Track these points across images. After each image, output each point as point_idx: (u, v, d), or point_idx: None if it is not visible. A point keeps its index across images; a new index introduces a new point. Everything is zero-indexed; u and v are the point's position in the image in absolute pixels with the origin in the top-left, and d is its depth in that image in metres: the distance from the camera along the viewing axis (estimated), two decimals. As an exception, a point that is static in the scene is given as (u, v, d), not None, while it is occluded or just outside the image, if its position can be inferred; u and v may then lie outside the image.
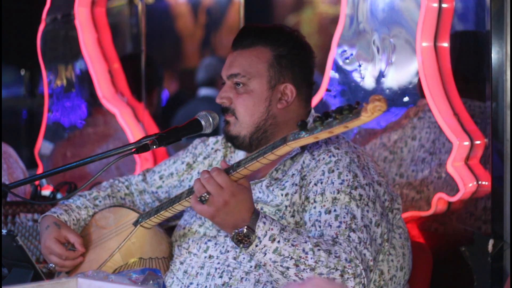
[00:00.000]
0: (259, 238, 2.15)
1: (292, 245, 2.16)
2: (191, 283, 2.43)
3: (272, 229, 2.17)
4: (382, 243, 2.33)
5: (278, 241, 2.16)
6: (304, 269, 2.15)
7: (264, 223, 2.17)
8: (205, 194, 2.17)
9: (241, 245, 2.17)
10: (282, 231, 2.18)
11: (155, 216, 2.48)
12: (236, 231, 2.16)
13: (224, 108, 2.53)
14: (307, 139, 2.01)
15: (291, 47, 2.52)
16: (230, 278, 2.37)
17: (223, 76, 2.55)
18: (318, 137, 1.98)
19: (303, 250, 2.16)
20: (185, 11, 4.58)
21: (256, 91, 2.49)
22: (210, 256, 2.44)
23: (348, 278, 2.15)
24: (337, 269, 2.15)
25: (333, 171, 2.35)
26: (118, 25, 4.68)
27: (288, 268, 2.16)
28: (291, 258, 2.15)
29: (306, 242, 2.17)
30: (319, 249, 2.16)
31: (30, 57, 4.92)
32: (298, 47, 2.54)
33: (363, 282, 2.17)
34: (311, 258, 2.15)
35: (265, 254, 2.16)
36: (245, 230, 2.16)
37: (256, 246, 2.16)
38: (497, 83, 2.89)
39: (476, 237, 2.95)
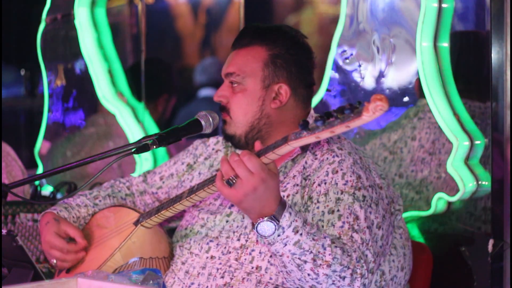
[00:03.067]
0: (283, 228, 2.12)
1: (313, 239, 2.14)
2: (192, 283, 2.42)
3: (296, 220, 2.14)
4: (383, 245, 2.32)
5: (301, 234, 2.14)
6: (320, 264, 2.14)
7: (290, 213, 2.13)
8: (233, 177, 2.11)
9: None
10: (305, 224, 2.16)
11: (156, 215, 2.48)
12: (261, 220, 2.12)
13: (221, 107, 2.52)
14: (308, 138, 2.00)
15: (288, 47, 2.50)
16: (231, 279, 2.37)
17: (222, 75, 2.55)
18: (319, 136, 1.97)
19: (322, 246, 2.15)
20: (185, 11, 4.58)
21: (250, 90, 2.48)
22: (212, 257, 2.43)
23: (355, 278, 2.16)
24: (349, 268, 2.16)
25: (337, 171, 2.34)
26: (118, 25, 4.67)
27: (305, 261, 2.15)
28: (311, 252, 2.14)
29: (325, 238, 2.16)
30: (335, 246, 2.16)
31: (30, 57, 4.93)
32: (296, 47, 2.52)
33: (365, 283, 2.18)
34: (329, 254, 2.14)
35: (286, 245, 2.13)
36: (269, 221, 2.11)
37: (279, 235, 2.12)
38: (497, 83, 2.89)
39: (476, 237, 2.95)
